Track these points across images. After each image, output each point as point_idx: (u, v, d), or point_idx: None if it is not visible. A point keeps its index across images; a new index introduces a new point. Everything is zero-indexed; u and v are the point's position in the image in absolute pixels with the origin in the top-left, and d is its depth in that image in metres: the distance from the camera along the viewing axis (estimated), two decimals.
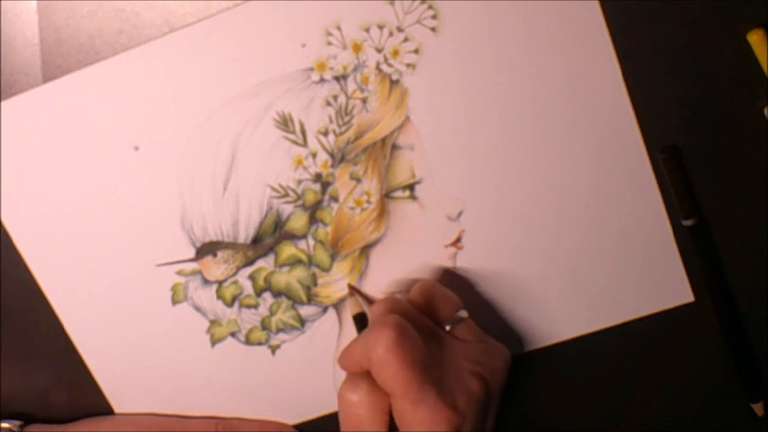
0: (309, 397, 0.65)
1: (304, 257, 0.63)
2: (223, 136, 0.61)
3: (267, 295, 0.64)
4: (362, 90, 0.60)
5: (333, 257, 0.63)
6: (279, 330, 0.64)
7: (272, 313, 0.64)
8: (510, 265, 0.63)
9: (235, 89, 0.60)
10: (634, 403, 0.65)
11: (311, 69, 0.60)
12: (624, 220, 0.61)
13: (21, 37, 0.60)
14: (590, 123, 0.60)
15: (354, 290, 0.63)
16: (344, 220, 0.62)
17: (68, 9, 0.60)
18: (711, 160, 0.60)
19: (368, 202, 0.62)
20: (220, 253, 0.63)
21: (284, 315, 0.64)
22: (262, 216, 0.62)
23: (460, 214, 0.62)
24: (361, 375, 0.55)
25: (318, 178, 0.61)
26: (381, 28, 0.59)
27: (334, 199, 0.62)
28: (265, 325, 0.64)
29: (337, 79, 0.60)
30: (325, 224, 0.62)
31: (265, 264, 0.63)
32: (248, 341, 0.65)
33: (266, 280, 0.63)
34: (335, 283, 0.63)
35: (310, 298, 0.64)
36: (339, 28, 0.59)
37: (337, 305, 0.64)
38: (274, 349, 0.65)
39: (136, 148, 0.61)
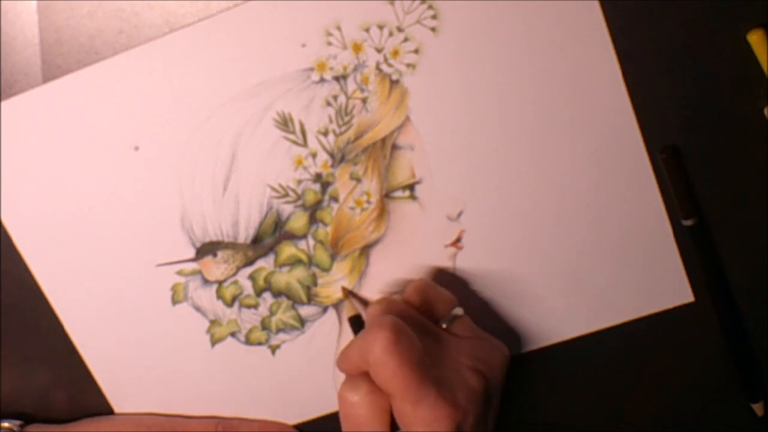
0: (309, 397, 0.65)
1: (304, 257, 0.63)
2: (223, 136, 0.61)
3: (267, 295, 0.64)
4: (362, 90, 0.60)
5: (333, 257, 0.63)
6: (279, 330, 0.64)
7: (272, 313, 0.64)
8: (510, 265, 0.63)
9: (235, 89, 0.60)
10: (634, 403, 0.65)
11: (311, 69, 0.60)
12: (624, 220, 0.61)
13: (21, 37, 0.60)
14: (590, 123, 0.60)
15: (348, 293, 0.63)
16: (344, 220, 0.62)
17: (68, 9, 0.60)
18: (711, 160, 0.60)
19: (368, 202, 0.62)
20: (220, 253, 0.63)
21: (284, 315, 0.64)
22: (262, 216, 0.62)
23: (460, 214, 0.62)
24: (361, 375, 0.55)
25: (318, 178, 0.61)
26: (381, 28, 0.59)
27: (334, 199, 0.62)
28: (265, 325, 0.64)
29: (337, 79, 0.60)
30: (325, 224, 0.62)
31: (265, 264, 0.63)
32: (248, 341, 0.65)
33: (266, 280, 0.63)
34: (335, 283, 0.63)
35: (310, 298, 0.64)
36: (339, 28, 0.59)
37: (337, 305, 0.64)
38: (274, 349, 0.65)
39: (136, 148, 0.61)
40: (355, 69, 0.60)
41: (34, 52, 0.60)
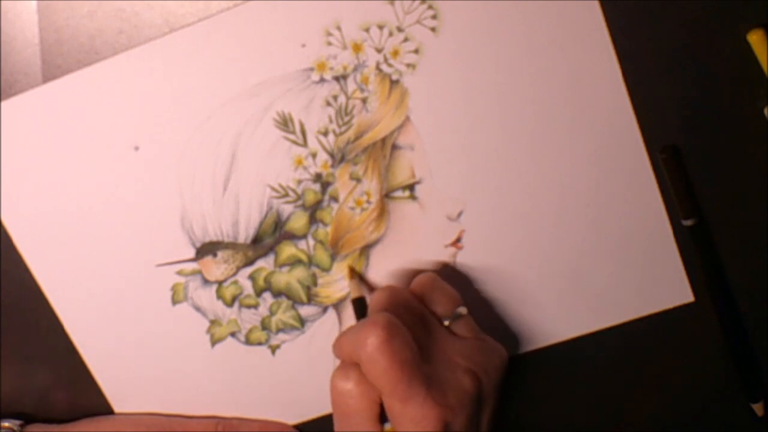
0: (309, 397, 0.65)
1: (304, 257, 0.63)
2: (223, 136, 0.61)
3: (267, 295, 0.64)
4: (362, 90, 0.60)
5: (333, 257, 0.63)
6: (279, 330, 0.64)
7: (272, 313, 0.64)
8: (510, 265, 0.63)
9: (235, 89, 0.60)
10: (634, 403, 0.65)
11: (311, 69, 0.60)
12: (624, 220, 0.61)
13: (21, 37, 0.60)
14: (590, 123, 0.60)
15: (354, 273, 0.62)
16: (344, 220, 0.62)
17: (68, 9, 0.60)
18: (711, 160, 0.60)
19: (368, 202, 0.62)
20: (220, 253, 0.63)
21: (284, 315, 0.64)
22: (262, 216, 0.62)
23: (460, 214, 0.62)
24: (354, 364, 0.55)
25: (318, 178, 0.61)
26: (381, 28, 0.59)
27: (334, 199, 0.62)
28: (265, 325, 0.64)
29: (337, 79, 0.60)
30: (325, 224, 0.62)
31: (265, 264, 0.63)
32: (248, 341, 0.65)
33: (266, 280, 0.63)
34: (335, 283, 0.63)
35: (310, 298, 0.64)
36: (339, 28, 0.59)
37: (337, 305, 0.64)
38: (274, 349, 0.65)
39: (136, 148, 0.61)
40: (355, 69, 0.60)
41: (34, 52, 0.60)
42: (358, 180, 0.61)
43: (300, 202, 0.62)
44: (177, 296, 0.64)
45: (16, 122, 0.61)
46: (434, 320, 0.58)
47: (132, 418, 0.65)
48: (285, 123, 0.61)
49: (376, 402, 0.55)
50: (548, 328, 0.64)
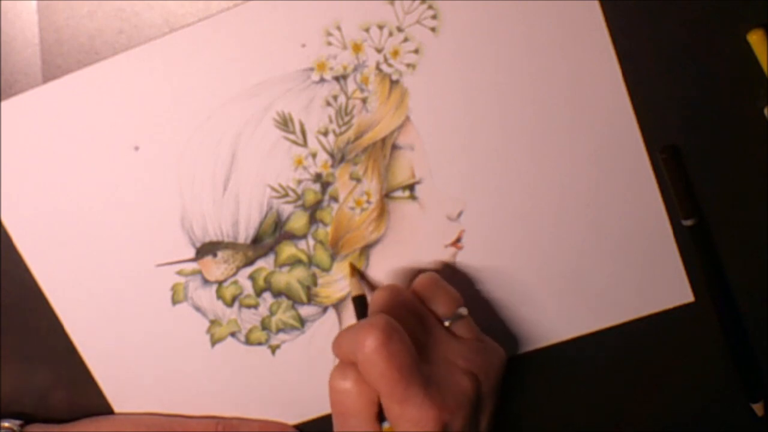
0: (309, 397, 0.65)
1: (304, 257, 0.63)
2: (223, 136, 0.61)
3: (267, 295, 0.64)
4: (362, 90, 0.60)
5: (333, 257, 0.63)
6: (279, 330, 0.64)
7: (272, 313, 0.64)
8: (510, 265, 0.63)
9: (235, 89, 0.60)
10: (634, 403, 0.65)
11: (311, 69, 0.60)
12: (624, 220, 0.61)
13: (21, 37, 0.60)
14: (590, 123, 0.60)
15: (355, 270, 0.62)
16: (344, 220, 0.62)
17: (68, 9, 0.60)
18: (711, 160, 0.60)
19: (368, 202, 0.62)
20: (220, 253, 0.63)
21: (284, 315, 0.64)
22: (262, 216, 0.62)
23: (460, 214, 0.62)
24: (352, 364, 0.55)
25: (318, 178, 0.61)
26: (381, 28, 0.59)
27: (334, 199, 0.62)
28: (265, 325, 0.64)
29: (337, 79, 0.60)
30: (325, 224, 0.62)
31: (265, 264, 0.63)
32: (248, 341, 0.65)
33: (266, 280, 0.63)
34: (335, 283, 0.63)
35: (310, 298, 0.64)
36: (339, 28, 0.59)
37: (337, 305, 0.64)
38: (274, 349, 0.65)
39: (136, 148, 0.61)
40: (355, 69, 0.60)
41: (34, 52, 0.60)
42: (358, 180, 0.61)
43: (300, 202, 0.62)
44: (177, 296, 0.64)
45: (16, 122, 0.61)
46: (434, 321, 0.58)
47: (132, 418, 0.65)
48: (285, 123, 0.61)
49: (374, 401, 0.55)
50: (548, 328, 0.64)
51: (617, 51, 0.58)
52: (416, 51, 0.59)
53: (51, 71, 0.60)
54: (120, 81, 0.60)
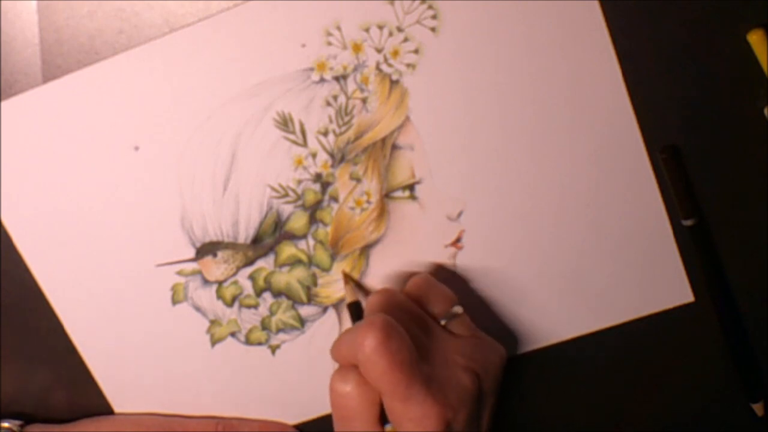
0: (309, 397, 0.65)
1: (304, 257, 0.63)
2: (223, 136, 0.61)
3: (267, 295, 0.64)
4: (362, 90, 0.60)
5: (333, 257, 0.63)
6: (279, 330, 0.64)
7: (272, 313, 0.64)
8: (510, 265, 0.63)
9: (235, 89, 0.60)
10: (634, 403, 0.65)
11: (311, 69, 0.60)
12: (624, 220, 0.61)
13: (21, 37, 0.60)
14: (590, 123, 0.60)
15: (349, 278, 0.63)
16: (344, 220, 0.62)
17: (68, 9, 0.60)
18: (711, 160, 0.60)
19: (368, 202, 0.62)
20: (220, 253, 0.63)
21: (284, 315, 0.64)
22: (262, 216, 0.62)
23: (460, 214, 0.62)
24: (352, 366, 0.55)
25: (318, 178, 0.61)
26: (381, 28, 0.59)
27: (334, 199, 0.62)
28: (265, 325, 0.64)
29: (337, 79, 0.60)
30: (325, 224, 0.62)
31: (265, 264, 0.63)
32: (248, 341, 0.65)
33: (266, 280, 0.63)
34: (335, 283, 0.63)
35: (310, 298, 0.64)
36: (339, 28, 0.59)
37: (337, 305, 0.64)
38: (274, 349, 0.65)
39: (136, 148, 0.61)
40: (355, 69, 0.60)
41: (34, 52, 0.60)
42: (358, 180, 0.61)
43: (300, 202, 0.62)
44: (177, 296, 0.64)
45: (16, 122, 0.61)
46: (431, 320, 0.58)
47: (132, 418, 0.65)
48: (285, 123, 0.61)
49: (375, 403, 0.55)
50: (548, 328, 0.64)
51: (617, 51, 0.58)
52: (416, 51, 0.59)
53: (51, 71, 0.60)
54: (120, 81, 0.60)
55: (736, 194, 0.61)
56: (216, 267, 0.63)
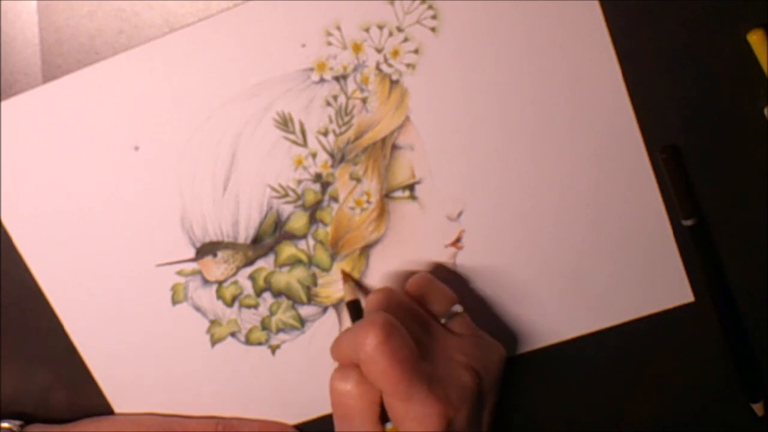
0: (309, 397, 0.65)
1: (304, 257, 0.63)
2: (223, 136, 0.61)
3: (267, 295, 0.64)
4: (362, 90, 0.60)
5: (333, 257, 0.63)
6: (279, 330, 0.64)
7: (272, 313, 0.64)
8: (510, 265, 0.63)
9: (235, 89, 0.60)
10: (634, 403, 0.65)
11: (311, 69, 0.60)
12: (624, 220, 0.61)
13: (21, 37, 0.60)
14: (590, 123, 0.60)
15: (348, 277, 0.63)
16: (344, 220, 0.62)
17: (68, 9, 0.60)
18: (711, 160, 0.60)
19: (368, 202, 0.62)
20: (220, 253, 0.63)
21: (284, 315, 0.64)
22: (262, 216, 0.62)
23: (460, 214, 0.62)
24: (352, 365, 0.55)
25: (318, 178, 0.61)
26: (381, 28, 0.59)
27: (334, 199, 0.62)
28: (265, 325, 0.64)
29: (337, 79, 0.60)
30: (325, 224, 0.62)
31: (265, 264, 0.63)
32: (248, 341, 0.65)
33: (266, 280, 0.63)
34: (335, 283, 0.63)
35: (310, 298, 0.64)
36: (339, 28, 0.59)
37: (337, 305, 0.64)
38: (274, 349, 0.65)
39: (136, 148, 0.61)
40: (355, 69, 0.60)
41: (34, 52, 0.60)
42: (358, 180, 0.61)
43: (300, 202, 0.62)
44: (177, 296, 0.64)
45: (16, 122, 0.61)
46: (431, 319, 0.58)
47: (132, 418, 0.65)
48: (285, 123, 0.61)
49: (376, 402, 0.55)
50: (548, 328, 0.64)
51: (617, 51, 0.58)
52: (416, 51, 0.59)
53: (51, 71, 0.60)
54: (120, 81, 0.60)
55: (736, 194, 0.61)
56: (216, 267, 0.63)
